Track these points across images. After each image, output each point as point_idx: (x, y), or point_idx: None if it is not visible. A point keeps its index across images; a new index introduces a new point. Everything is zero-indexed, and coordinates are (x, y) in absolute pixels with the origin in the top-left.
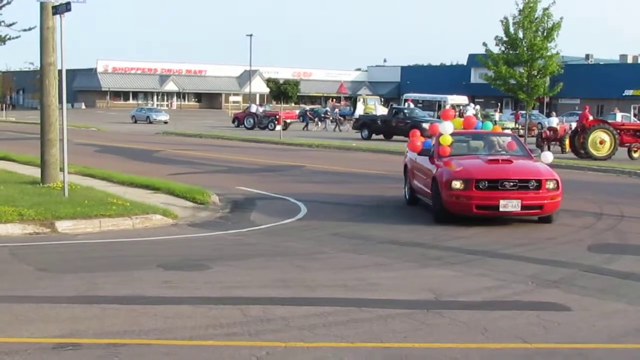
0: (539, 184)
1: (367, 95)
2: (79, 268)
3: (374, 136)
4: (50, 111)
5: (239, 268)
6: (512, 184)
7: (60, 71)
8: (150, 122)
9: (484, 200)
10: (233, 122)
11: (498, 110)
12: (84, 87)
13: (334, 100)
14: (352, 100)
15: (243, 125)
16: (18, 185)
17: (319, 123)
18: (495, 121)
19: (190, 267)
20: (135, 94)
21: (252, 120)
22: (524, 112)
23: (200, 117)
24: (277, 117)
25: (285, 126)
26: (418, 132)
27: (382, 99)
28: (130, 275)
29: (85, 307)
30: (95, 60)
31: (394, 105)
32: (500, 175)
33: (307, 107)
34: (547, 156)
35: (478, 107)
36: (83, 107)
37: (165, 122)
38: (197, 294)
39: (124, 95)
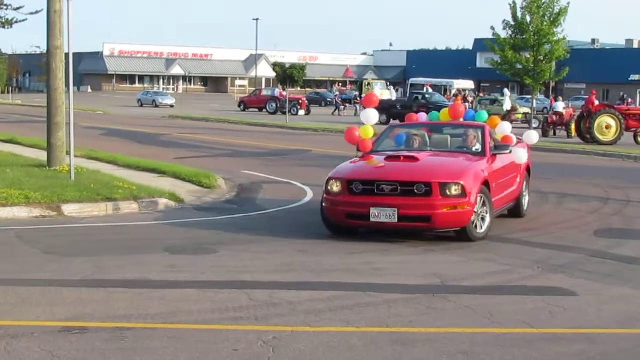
0: (429, 188)
1: (372, 79)
2: (85, 251)
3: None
4: (57, 94)
5: (245, 252)
6: (390, 187)
7: (67, 54)
8: (157, 106)
9: (354, 207)
10: (239, 106)
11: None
12: (90, 71)
13: (340, 84)
14: (358, 84)
15: (265, 110)
16: (24, 168)
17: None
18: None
19: (196, 251)
20: (142, 78)
21: (274, 105)
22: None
23: (206, 101)
24: (301, 101)
25: (308, 111)
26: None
27: (388, 83)
28: (136, 259)
29: (91, 290)
30: (101, 43)
31: (414, 90)
32: (375, 176)
33: (336, 92)
34: (532, 136)
35: (509, 93)
36: (89, 90)
37: (172, 106)
38: (203, 278)
39: (130, 78)
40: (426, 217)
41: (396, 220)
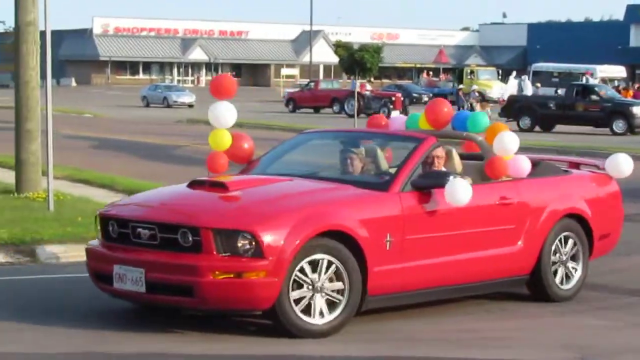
0: (198, 238)
1: (477, 66)
2: (72, 316)
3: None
4: (29, 90)
5: None
6: (149, 232)
7: (42, 33)
8: (169, 106)
9: (99, 263)
10: (287, 104)
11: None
12: (74, 56)
13: (431, 73)
14: (457, 73)
15: (337, 109)
16: None
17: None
18: None
19: None
20: (147, 66)
21: (357, 103)
22: None
23: (239, 98)
24: (394, 98)
25: (405, 112)
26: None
27: (500, 72)
28: (150, 327)
29: None
30: (90, 17)
31: (577, 82)
32: (130, 213)
33: (461, 85)
34: (621, 163)
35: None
36: (73, 84)
37: (190, 106)
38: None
39: (130, 67)
40: (187, 287)
41: (144, 289)
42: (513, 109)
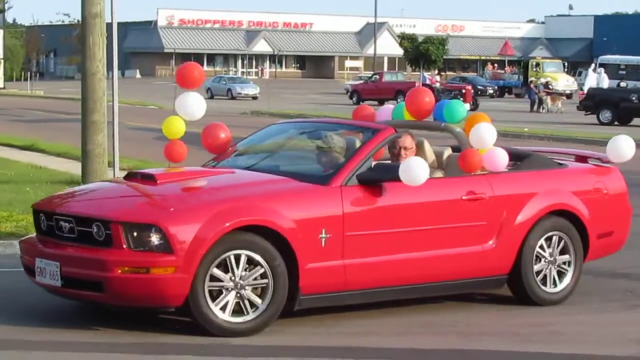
0: (109, 231)
1: (543, 58)
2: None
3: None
4: (96, 82)
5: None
6: (69, 225)
7: (110, 25)
8: (233, 98)
9: (27, 256)
10: (351, 97)
11: None
12: (139, 48)
13: (495, 65)
14: (521, 65)
15: (401, 101)
16: (50, 186)
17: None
18: None
19: None
20: (212, 58)
21: None
22: None
23: (303, 90)
24: (464, 91)
25: (475, 105)
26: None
27: (566, 64)
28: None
29: None
30: (154, 10)
31: None
32: (54, 206)
33: (532, 78)
34: (621, 146)
35: None
36: (138, 75)
37: (254, 97)
38: None
39: (195, 58)
40: (97, 282)
41: (59, 284)
42: (593, 102)
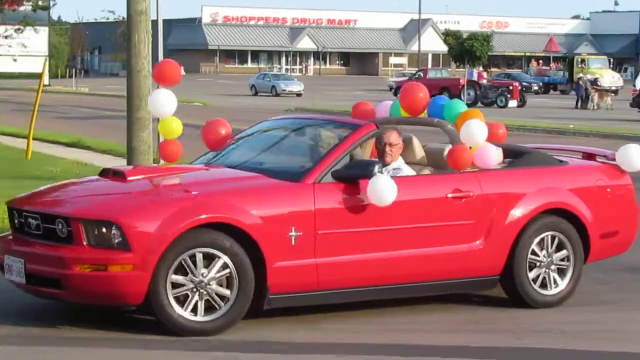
0: (70, 228)
1: (588, 55)
2: None
3: None
4: (141, 79)
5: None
6: (35, 222)
7: (155, 22)
8: (277, 94)
9: (0, 252)
10: (395, 94)
11: None
12: (183, 45)
13: (540, 61)
14: (566, 61)
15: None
16: None
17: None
18: None
19: None
20: (256, 55)
21: (473, 93)
22: None
23: (347, 87)
24: (512, 87)
25: (523, 102)
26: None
27: (611, 61)
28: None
29: None
30: (199, 6)
31: None
32: (23, 203)
33: (580, 74)
34: (633, 154)
35: None
36: (182, 72)
37: (299, 94)
38: None
39: (239, 55)
40: (56, 279)
41: (24, 280)
42: None
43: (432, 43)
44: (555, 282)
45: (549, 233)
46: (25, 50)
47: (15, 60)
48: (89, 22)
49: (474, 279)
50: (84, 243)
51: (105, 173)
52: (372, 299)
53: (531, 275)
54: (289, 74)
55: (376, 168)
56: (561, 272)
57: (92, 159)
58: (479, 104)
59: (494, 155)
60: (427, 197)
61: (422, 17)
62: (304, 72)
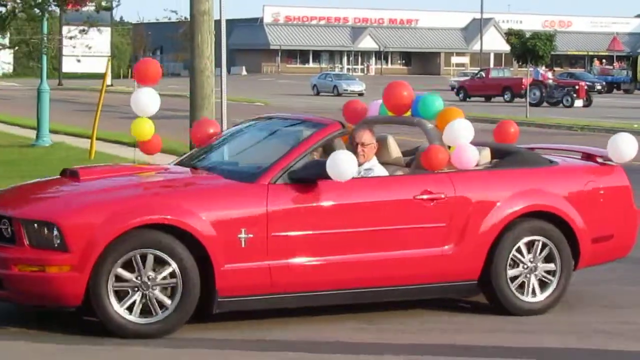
0: (13, 228)
1: None
2: None
3: None
4: (204, 79)
5: None
6: None
7: (218, 23)
8: (339, 94)
9: None
10: (457, 93)
11: None
12: (244, 45)
13: (604, 60)
14: (630, 60)
15: (508, 97)
16: None
17: None
18: None
19: None
20: (317, 54)
21: (538, 93)
22: None
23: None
24: (577, 87)
25: (589, 101)
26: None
27: None
28: None
29: None
30: (261, 6)
31: None
32: None
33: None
34: (622, 146)
35: None
36: (243, 72)
37: (360, 94)
38: None
39: (300, 55)
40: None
41: None
42: None
43: (494, 42)
44: (539, 289)
45: (533, 237)
46: (89, 51)
47: (79, 61)
48: (150, 23)
49: (449, 284)
50: (26, 244)
51: (63, 173)
52: (331, 304)
53: (512, 281)
54: (350, 73)
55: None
56: (547, 279)
57: (154, 159)
58: (545, 104)
59: (472, 156)
60: (391, 198)
61: (484, 17)
62: (365, 72)
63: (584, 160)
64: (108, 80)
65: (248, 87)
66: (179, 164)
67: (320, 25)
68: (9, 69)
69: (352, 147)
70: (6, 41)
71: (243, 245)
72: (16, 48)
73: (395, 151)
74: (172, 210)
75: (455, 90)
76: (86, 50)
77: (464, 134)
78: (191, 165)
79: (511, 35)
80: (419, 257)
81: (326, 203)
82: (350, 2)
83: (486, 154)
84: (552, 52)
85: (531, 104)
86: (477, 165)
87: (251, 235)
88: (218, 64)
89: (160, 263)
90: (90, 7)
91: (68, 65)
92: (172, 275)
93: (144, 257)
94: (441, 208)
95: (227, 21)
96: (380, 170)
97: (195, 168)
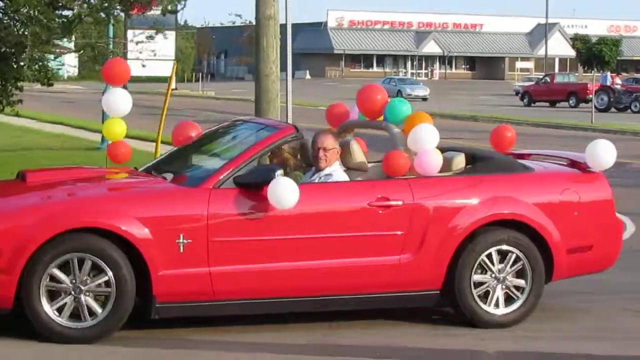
0: None
1: None
2: None
3: None
4: (269, 83)
5: None
6: None
7: (284, 27)
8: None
9: None
10: (522, 98)
11: None
12: (308, 49)
13: None
14: None
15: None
16: None
17: None
18: None
19: None
20: (381, 59)
21: (606, 98)
22: None
23: (473, 91)
24: None
25: None
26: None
27: None
28: None
29: None
30: (324, 11)
31: None
32: None
33: None
34: (600, 152)
35: None
36: (307, 76)
37: (424, 99)
38: None
39: (364, 60)
40: None
41: None
42: None
43: (559, 47)
44: (507, 301)
45: (500, 247)
46: (154, 55)
47: (144, 65)
48: (214, 27)
49: (407, 294)
50: None
51: (18, 175)
52: (279, 311)
53: (476, 292)
54: (414, 78)
55: (277, 174)
56: (517, 290)
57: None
58: (612, 109)
59: (435, 162)
60: (343, 204)
61: (549, 22)
62: (429, 76)
63: (567, 167)
64: (173, 84)
65: (312, 92)
66: (148, 167)
67: (384, 30)
68: (74, 72)
69: (314, 151)
70: (72, 45)
71: (181, 251)
72: (81, 52)
73: (359, 156)
74: (106, 213)
75: (519, 95)
76: (151, 55)
77: (427, 139)
78: (154, 169)
79: (577, 41)
80: (372, 265)
81: (269, 209)
82: (414, 6)
83: (460, 159)
84: (619, 57)
85: (599, 110)
86: (448, 171)
87: (190, 241)
88: (283, 68)
89: (97, 269)
90: (155, 12)
91: (133, 70)
92: (107, 284)
93: (81, 262)
94: (398, 215)
95: (292, 25)
96: (341, 176)
97: (155, 172)
